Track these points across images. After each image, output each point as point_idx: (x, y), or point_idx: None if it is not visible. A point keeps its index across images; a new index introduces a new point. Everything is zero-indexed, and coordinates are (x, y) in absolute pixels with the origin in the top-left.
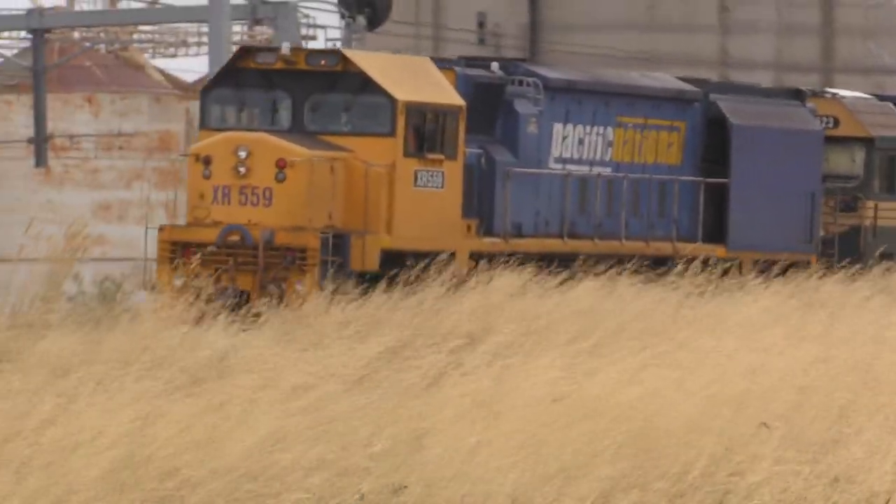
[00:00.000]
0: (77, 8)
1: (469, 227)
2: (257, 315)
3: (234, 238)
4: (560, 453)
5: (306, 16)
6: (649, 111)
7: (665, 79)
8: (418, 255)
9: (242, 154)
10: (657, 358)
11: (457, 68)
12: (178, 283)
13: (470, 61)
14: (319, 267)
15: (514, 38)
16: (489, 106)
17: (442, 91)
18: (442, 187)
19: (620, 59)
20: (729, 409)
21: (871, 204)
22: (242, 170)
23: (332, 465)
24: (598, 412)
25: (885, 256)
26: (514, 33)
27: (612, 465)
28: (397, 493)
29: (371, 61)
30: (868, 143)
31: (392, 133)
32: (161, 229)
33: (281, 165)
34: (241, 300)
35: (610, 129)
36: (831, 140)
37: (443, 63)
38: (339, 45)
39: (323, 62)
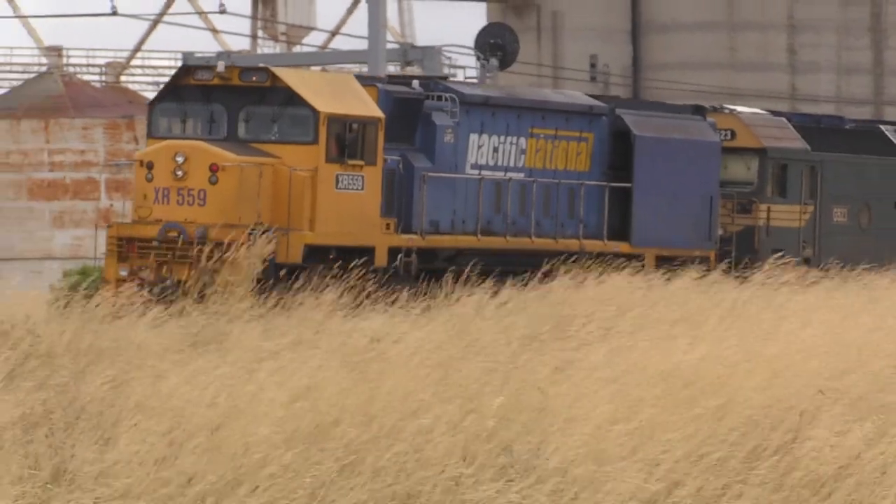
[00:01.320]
0: (259, 51)
1: (388, 225)
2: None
3: (173, 234)
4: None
5: (448, 57)
6: (560, 123)
7: (576, 95)
8: (340, 250)
9: (180, 159)
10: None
11: (379, 84)
12: (123, 273)
13: (393, 78)
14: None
15: (620, 76)
16: (409, 118)
17: (363, 104)
18: (362, 189)
19: (706, 93)
20: None
21: (764, 206)
22: (180, 173)
23: (467, 429)
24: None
25: (776, 252)
26: (619, 72)
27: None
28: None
29: (296, 77)
30: (761, 152)
31: (315, 141)
32: (110, 226)
33: (214, 170)
34: (178, 289)
35: (523, 139)
36: (729, 150)
37: (367, 80)
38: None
39: (254, 78)
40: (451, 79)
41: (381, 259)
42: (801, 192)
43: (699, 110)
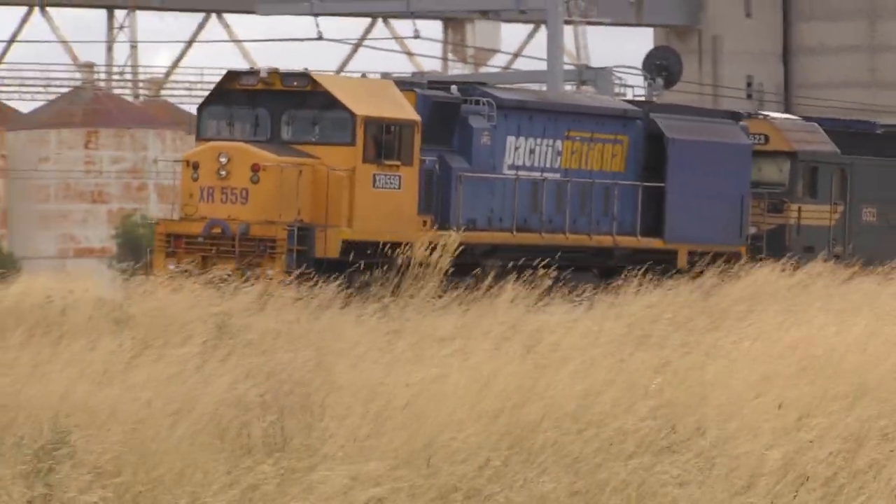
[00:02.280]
0: (449, 72)
1: (425, 222)
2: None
3: (217, 230)
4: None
5: (619, 77)
6: (595, 127)
7: (610, 100)
8: (378, 245)
9: (224, 160)
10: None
11: (417, 89)
12: (172, 267)
13: (433, 84)
14: (286, 254)
15: (773, 94)
16: (446, 121)
17: (400, 108)
18: (399, 188)
19: (849, 109)
20: None
21: (794, 206)
22: (224, 173)
23: (636, 412)
24: None
25: (807, 249)
26: (772, 90)
27: None
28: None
29: (335, 82)
30: (792, 155)
31: (352, 142)
32: (158, 223)
33: (255, 169)
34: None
35: (559, 142)
36: (762, 153)
37: (405, 85)
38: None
39: (295, 83)
40: (509, 86)
41: (419, 253)
42: (831, 192)
43: (732, 115)
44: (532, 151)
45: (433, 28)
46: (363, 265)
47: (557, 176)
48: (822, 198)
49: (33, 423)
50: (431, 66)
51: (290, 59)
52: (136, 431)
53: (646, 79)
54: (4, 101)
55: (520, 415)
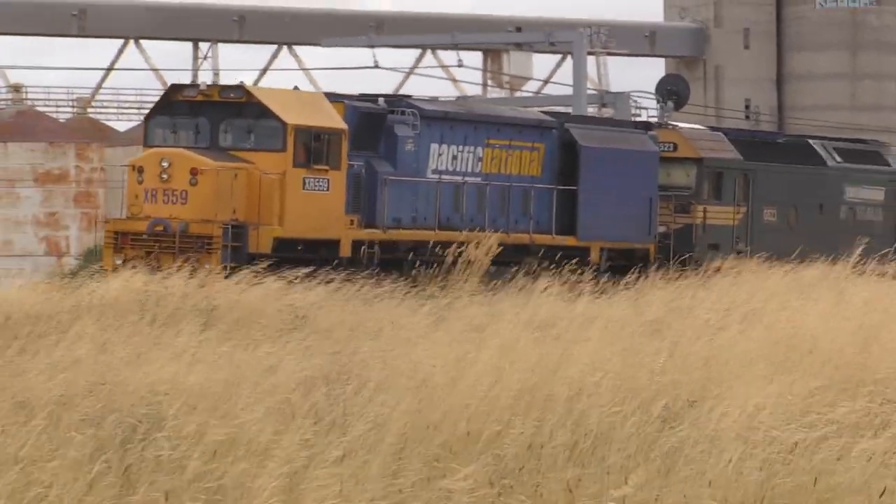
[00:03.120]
0: (487, 95)
1: (352, 221)
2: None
3: (159, 228)
4: None
5: (635, 101)
6: (514, 135)
7: (529, 112)
8: (308, 242)
9: (165, 164)
10: None
11: (346, 101)
12: (118, 262)
13: (363, 96)
14: (221, 250)
15: (768, 115)
16: (373, 130)
17: (328, 117)
18: (327, 190)
19: (833, 128)
20: None
21: (700, 207)
22: (165, 177)
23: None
24: None
25: (712, 247)
26: (767, 112)
27: None
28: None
29: (268, 94)
30: (698, 161)
31: (283, 149)
32: (107, 222)
33: (194, 173)
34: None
35: (480, 149)
36: (671, 160)
37: (335, 97)
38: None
39: (232, 95)
40: (422, 96)
41: (345, 250)
42: (735, 195)
43: (643, 125)
44: (455, 157)
45: (474, 58)
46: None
47: (479, 180)
48: (726, 200)
49: (132, 398)
50: (473, 91)
51: (349, 85)
52: (221, 407)
53: (658, 102)
54: (104, 122)
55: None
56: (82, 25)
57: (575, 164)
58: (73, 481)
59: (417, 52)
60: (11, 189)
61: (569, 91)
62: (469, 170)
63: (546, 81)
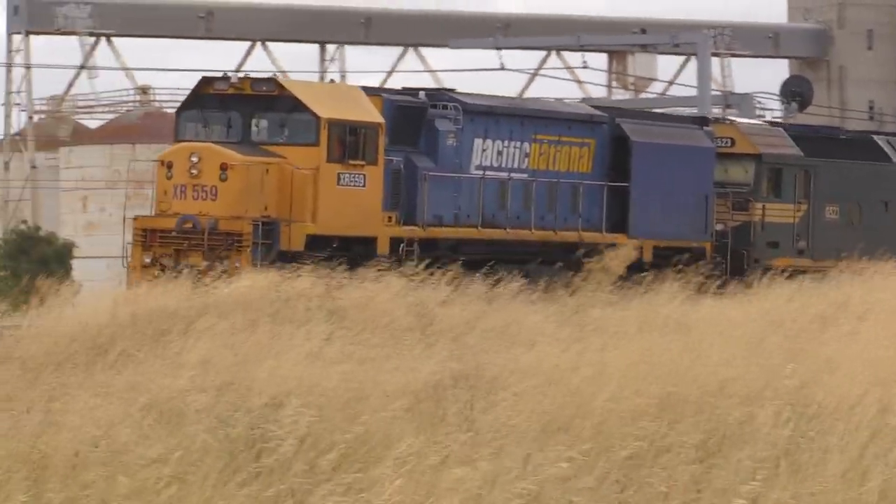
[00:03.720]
0: (612, 97)
1: (390, 218)
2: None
3: (188, 225)
4: None
5: (759, 102)
6: (563, 130)
7: (579, 106)
8: (343, 239)
9: (195, 159)
10: None
11: (384, 94)
12: (147, 260)
13: (405, 90)
14: (252, 248)
15: (891, 116)
16: (413, 124)
17: (364, 111)
18: (364, 186)
19: None
20: None
21: (759, 205)
22: (195, 172)
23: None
24: None
25: (771, 245)
26: (890, 113)
27: None
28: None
29: (301, 88)
30: (757, 157)
31: (317, 143)
32: (135, 219)
33: (223, 168)
34: (196, 273)
35: (527, 144)
36: (729, 156)
37: (372, 91)
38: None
39: (264, 88)
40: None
41: (383, 248)
42: (795, 191)
43: (698, 121)
44: (500, 153)
45: (599, 59)
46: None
47: (525, 176)
48: (786, 197)
49: (262, 398)
50: (598, 92)
51: (475, 86)
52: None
53: (782, 103)
54: None
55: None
56: (209, 27)
57: (626, 160)
58: (202, 480)
59: (543, 53)
60: (140, 189)
61: (693, 92)
62: (515, 166)
63: (670, 83)
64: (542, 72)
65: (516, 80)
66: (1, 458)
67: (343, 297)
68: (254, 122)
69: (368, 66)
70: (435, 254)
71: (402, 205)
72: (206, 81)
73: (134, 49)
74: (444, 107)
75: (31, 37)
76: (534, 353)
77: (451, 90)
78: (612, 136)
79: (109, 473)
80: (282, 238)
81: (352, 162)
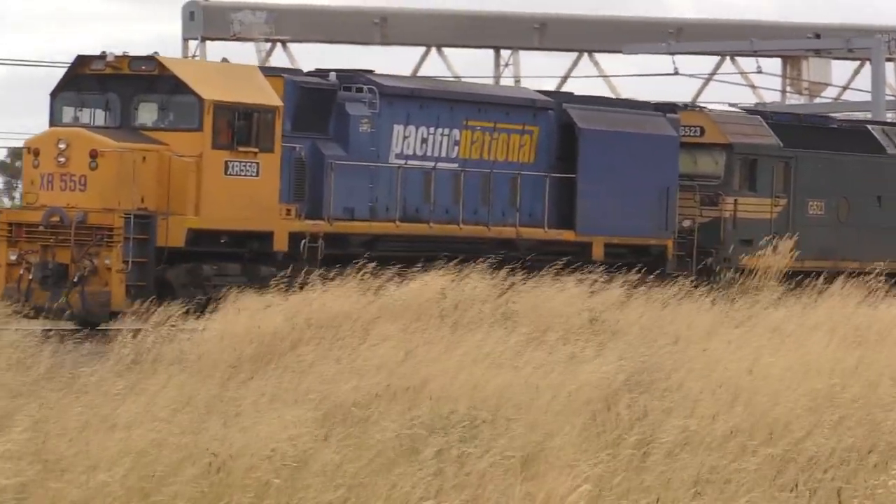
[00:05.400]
0: (786, 102)
1: (289, 211)
2: None
3: (55, 219)
4: None
5: None
6: (500, 117)
7: (519, 90)
8: (233, 235)
9: (62, 146)
10: None
11: (285, 75)
12: (13, 257)
13: (314, 72)
14: (124, 244)
15: None
16: (320, 108)
17: (259, 93)
18: (257, 175)
19: None
20: None
21: (730, 199)
22: (62, 160)
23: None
24: None
25: (745, 242)
26: None
27: None
28: None
29: (184, 66)
30: (727, 147)
31: (200, 128)
32: (0, 212)
33: (93, 155)
34: (60, 272)
35: (456, 131)
36: (698, 146)
37: (272, 71)
38: None
39: (143, 67)
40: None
41: (280, 244)
42: (772, 185)
43: (660, 107)
44: (424, 140)
45: (773, 64)
46: None
47: (454, 166)
48: (762, 190)
49: (442, 399)
50: (772, 97)
51: (649, 91)
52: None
53: None
54: None
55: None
56: (384, 33)
57: (574, 149)
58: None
59: (717, 58)
60: None
61: (868, 97)
62: (443, 154)
63: (845, 88)
64: (716, 77)
65: (690, 85)
66: (181, 458)
67: (517, 301)
68: (134, 104)
69: (544, 70)
70: (346, 251)
71: (307, 197)
72: (81, 60)
73: (309, 54)
74: (359, 89)
75: (207, 42)
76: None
77: (369, 71)
78: (558, 123)
79: (288, 476)
80: (159, 233)
81: (242, 149)
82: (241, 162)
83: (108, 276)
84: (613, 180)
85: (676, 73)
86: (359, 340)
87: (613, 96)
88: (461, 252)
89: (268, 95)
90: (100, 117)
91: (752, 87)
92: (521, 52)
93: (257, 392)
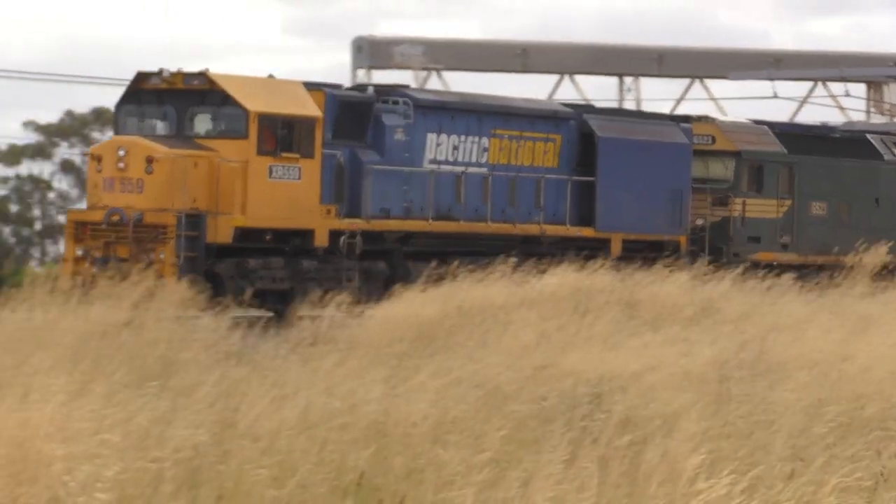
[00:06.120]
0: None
1: (329, 211)
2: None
3: (116, 218)
4: None
5: None
6: (525, 126)
7: (543, 102)
8: (277, 232)
9: (122, 153)
10: None
11: (326, 89)
12: (79, 252)
13: (357, 87)
14: (176, 240)
15: None
16: (358, 119)
17: (300, 105)
18: (298, 179)
19: None
20: None
21: (739, 200)
22: (122, 165)
23: None
24: None
25: (752, 239)
26: None
27: None
28: None
29: (232, 82)
30: (736, 154)
31: (246, 136)
32: (69, 212)
33: (149, 161)
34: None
35: (485, 139)
36: (710, 153)
37: (314, 86)
38: None
39: (195, 82)
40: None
41: (321, 240)
42: (777, 188)
43: (674, 118)
44: (456, 148)
45: (859, 89)
46: None
47: (484, 170)
48: (768, 192)
49: (571, 380)
50: (857, 117)
51: (751, 112)
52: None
53: None
54: None
55: None
56: (524, 63)
57: (593, 154)
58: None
59: (810, 84)
60: None
61: None
62: (473, 160)
63: None
64: (809, 100)
65: (787, 107)
66: (346, 424)
67: (640, 292)
68: (188, 116)
69: (660, 94)
70: (381, 246)
71: (346, 198)
72: (141, 76)
73: (460, 81)
74: (395, 102)
75: (373, 71)
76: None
77: (405, 86)
78: (579, 132)
79: (439, 443)
80: (208, 230)
81: (285, 155)
82: (283, 167)
83: (163, 269)
84: (629, 183)
85: (775, 97)
86: (503, 326)
87: (642, 110)
88: (489, 247)
89: (308, 107)
90: (158, 127)
91: (841, 108)
92: (642, 79)
93: (418, 370)
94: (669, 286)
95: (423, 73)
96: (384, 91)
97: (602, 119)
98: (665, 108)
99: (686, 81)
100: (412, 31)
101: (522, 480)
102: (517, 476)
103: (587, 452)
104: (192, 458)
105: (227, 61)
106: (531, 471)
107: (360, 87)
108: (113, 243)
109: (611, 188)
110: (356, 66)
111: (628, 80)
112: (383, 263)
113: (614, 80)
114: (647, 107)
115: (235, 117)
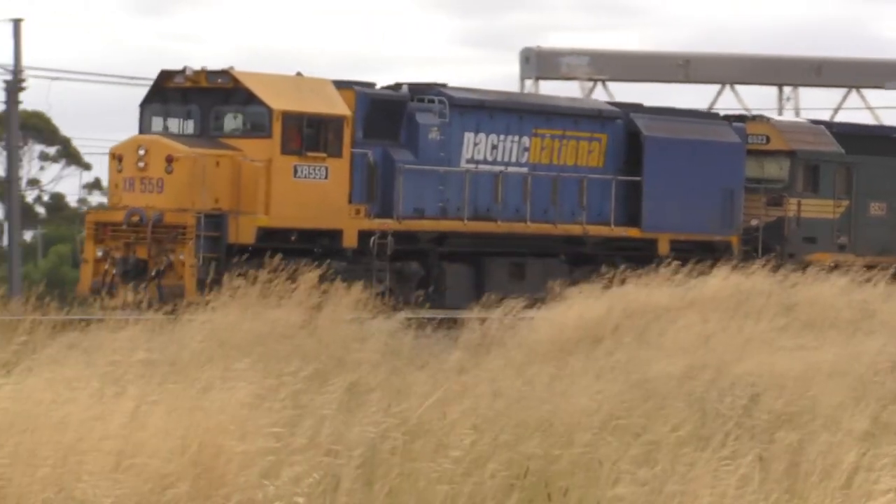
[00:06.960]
0: None
1: (358, 211)
2: None
3: (136, 218)
4: None
5: None
6: (568, 125)
7: (587, 101)
8: (303, 232)
9: (142, 152)
10: None
11: (356, 88)
12: (99, 253)
13: (386, 86)
14: (196, 240)
15: None
16: (391, 118)
17: (327, 103)
18: (325, 178)
19: None
20: None
21: (794, 200)
22: (142, 164)
23: None
24: None
25: (807, 240)
26: None
27: None
28: None
29: (256, 80)
30: (791, 154)
31: (269, 135)
32: (88, 212)
33: (169, 160)
34: (140, 267)
35: (526, 138)
36: (765, 153)
37: (344, 84)
38: None
39: (219, 81)
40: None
41: (349, 240)
42: (834, 188)
43: (725, 118)
44: (494, 147)
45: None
46: None
47: (524, 170)
48: (824, 193)
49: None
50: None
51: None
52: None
53: None
54: None
55: None
56: (686, 73)
57: (640, 154)
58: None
59: None
60: None
61: None
62: (513, 160)
63: None
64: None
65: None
66: (514, 420)
67: (797, 294)
68: (212, 114)
69: (818, 104)
70: (415, 247)
71: (378, 198)
72: (165, 75)
73: (625, 91)
74: (430, 101)
75: (540, 81)
76: None
77: (442, 84)
78: (626, 131)
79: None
80: (230, 231)
81: (311, 154)
82: (309, 166)
83: (183, 270)
84: (678, 182)
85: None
86: (665, 326)
87: (684, 108)
88: (529, 248)
89: (336, 105)
90: (182, 126)
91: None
92: (801, 89)
93: (581, 370)
94: (826, 288)
95: (589, 84)
96: (418, 90)
97: (649, 118)
98: (824, 117)
99: (843, 91)
100: (579, 42)
101: (682, 475)
102: (680, 471)
103: (747, 449)
104: (367, 454)
105: (399, 72)
106: (693, 465)
107: (395, 87)
108: (133, 244)
109: (658, 188)
110: (524, 76)
111: (787, 89)
112: (417, 264)
113: (774, 89)
114: (807, 115)
115: (259, 115)
